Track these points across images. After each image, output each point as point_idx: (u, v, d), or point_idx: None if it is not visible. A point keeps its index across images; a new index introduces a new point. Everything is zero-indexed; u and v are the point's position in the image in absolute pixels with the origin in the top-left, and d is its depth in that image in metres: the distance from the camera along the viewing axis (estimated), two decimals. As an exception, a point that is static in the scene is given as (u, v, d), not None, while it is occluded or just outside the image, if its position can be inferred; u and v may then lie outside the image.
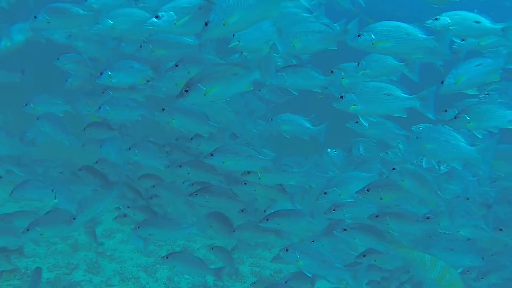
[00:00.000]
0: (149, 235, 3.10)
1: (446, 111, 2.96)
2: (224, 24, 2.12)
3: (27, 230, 2.84)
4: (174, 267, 3.26)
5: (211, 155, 2.81)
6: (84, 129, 3.59)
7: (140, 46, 2.85)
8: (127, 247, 5.23)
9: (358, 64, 2.90)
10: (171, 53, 2.94)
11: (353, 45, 2.64)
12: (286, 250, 2.84)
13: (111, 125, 3.58)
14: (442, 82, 2.64)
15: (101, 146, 3.34)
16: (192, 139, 3.24)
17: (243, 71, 2.39)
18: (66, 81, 3.61)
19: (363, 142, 3.73)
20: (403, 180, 2.64)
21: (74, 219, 2.86)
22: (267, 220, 3.05)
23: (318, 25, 2.77)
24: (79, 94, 3.64)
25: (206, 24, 2.13)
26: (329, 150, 3.75)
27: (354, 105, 2.66)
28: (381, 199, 2.75)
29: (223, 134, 3.05)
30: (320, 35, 2.76)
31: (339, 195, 3.04)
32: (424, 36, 2.54)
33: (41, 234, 2.84)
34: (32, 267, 4.41)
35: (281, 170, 3.10)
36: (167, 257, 3.27)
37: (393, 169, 2.66)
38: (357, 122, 2.95)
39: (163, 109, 2.98)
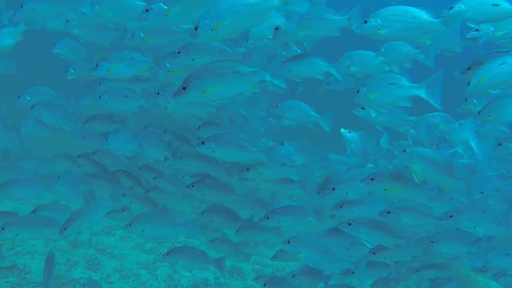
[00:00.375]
0: (142, 231, 3.01)
1: (466, 99, 2.86)
2: (212, 30, 2.09)
3: (2, 229, 2.74)
4: (176, 262, 3.19)
5: (202, 143, 2.73)
6: (85, 122, 3.50)
7: (133, 35, 2.77)
8: (127, 244, 5.14)
9: (377, 51, 2.84)
10: (163, 41, 2.85)
11: (359, 32, 2.58)
12: (288, 242, 2.78)
13: (113, 118, 3.49)
14: (468, 84, 2.56)
15: (106, 139, 3.24)
16: (199, 127, 3.13)
17: (247, 70, 2.29)
18: (66, 71, 3.51)
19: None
20: (413, 163, 2.54)
21: (65, 229, 2.76)
22: (268, 218, 2.98)
23: (321, 12, 2.70)
24: (77, 91, 3.55)
25: (195, 28, 2.11)
26: (342, 130, 3.43)
27: (368, 97, 2.66)
28: (385, 189, 2.64)
29: (223, 116, 2.95)
30: (323, 21, 2.69)
31: (347, 193, 2.94)
32: (431, 19, 2.46)
33: (16, 235, 2.75)
34: (31, 264, 4.36)
35: (280, 164, 2.99)
36: (167, 254, 3.20)
37: (404, 150, 2.57)
38: (363, 108, 2.86)
39: (158, 93, 2.89)
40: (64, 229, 2.74)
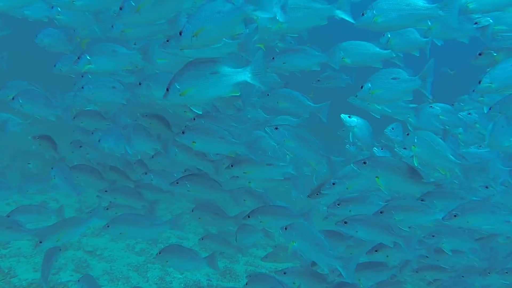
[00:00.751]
0: (120, 233, 2.90)
1: (473, 90, 2.82)
2: (193, 36, 2.09)
3: None
4: (166, 262, 3.12)
5: (183, 132, 2.62)
6: (74, 118, 3.38)
7: (112, 26, 2.67)
8: (117, 246, 5.01)
9: (383, 35, 2.85)
10: (143, 32, 2.75)
11: (357, 25, 2.58)
12: (285, 228, 2.72)
13: (102, 114, 3.37)
14: (479, 82, 2.56)
15: (99, 140, 3.11)
16: (194, 119, 3.02)
17: (227, 71, 2.16)
18: (54, 66, 3.39)
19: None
20: (413, 146, 2.52)
21: (40, 242, 2.68)
22: (249, 217, 2.88)
23: (307, 1, 2.61)
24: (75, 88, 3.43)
25: (180, 33, 2.10)
26: (342, 115, 3.18)
27: (371, 92, 2.64)
28: (376, 177, 2.53)
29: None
30: (308, 11, 2.61)
31: (347, 188, 2.84)
32: (426, 5, 2.43)
33: None
34: (16, 267, 4.22)
35: (266, 163, 2.88)
36: (160, 253, 3.13)
37: (407, 134, 2.56)
38: (356, 96, 2.78)
39: (140, 84, 2.79)
40: (40, 242, 2.64)
